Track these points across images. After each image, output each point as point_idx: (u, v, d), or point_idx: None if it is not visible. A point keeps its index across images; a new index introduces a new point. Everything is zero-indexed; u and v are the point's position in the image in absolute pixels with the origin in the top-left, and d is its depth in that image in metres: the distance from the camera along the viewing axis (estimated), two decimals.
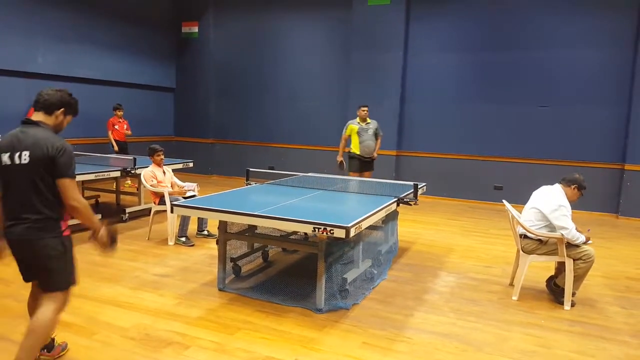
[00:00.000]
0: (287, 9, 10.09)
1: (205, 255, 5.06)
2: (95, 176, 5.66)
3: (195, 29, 10.91)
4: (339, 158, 7.31)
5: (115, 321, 3.28)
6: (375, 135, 7.16)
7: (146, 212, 6.46)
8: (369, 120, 7.16)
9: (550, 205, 3.93)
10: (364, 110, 7.11)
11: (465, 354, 3.12)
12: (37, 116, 2.52)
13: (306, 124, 10.15)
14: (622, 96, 7.78)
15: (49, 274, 2.50)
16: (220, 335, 3.24)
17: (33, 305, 2.65)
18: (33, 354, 2.46)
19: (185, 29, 11.01)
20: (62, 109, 2.54)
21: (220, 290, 4.04)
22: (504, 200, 4.52)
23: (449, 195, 8.92)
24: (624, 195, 7.74)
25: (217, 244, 4.12)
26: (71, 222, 2.55)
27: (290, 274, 4.53)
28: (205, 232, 5.76)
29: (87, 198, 6.75)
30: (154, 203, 5.62)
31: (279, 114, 10.40)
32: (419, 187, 4.83)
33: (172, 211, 3.98)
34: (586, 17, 7.89)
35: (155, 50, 10.56)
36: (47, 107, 2.51)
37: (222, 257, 4.07)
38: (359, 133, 7.07)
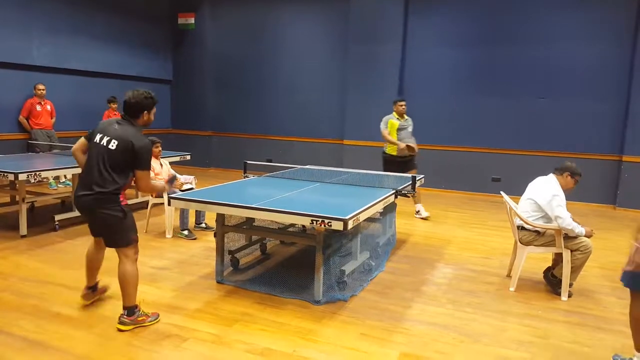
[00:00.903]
0: (285, 0, 10.01)
1: (203, 247, 5.06)
2: None
3: (192, 20, 10.82)
4: (402, 144, 6.32)
5: (113, 314, 3.28)
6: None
7: (144, 205, 6.45)
8: (406, 117, 6.59)
9: (544, 195, 3.94)
10: (401, 105, 6.46)
11: (462, 344, 3.14)
12: (129, 115, 3.16)
13: (304, 116, 10.12)
14: (620, 88, 7.76)
15: (112, 236, 3.13)
16: (218, 327, 3.25)
17: (93, 253, 3.40)
18: (130, 299, 3.16)
19: (181, 20, 10.92)
20: (144, 111, 3.14)
21: (218, 282, 4.04)
22: (501, 192, 4.53)
23: (447, 187, 8.93)
24: (622, 186, 7.76)
25: (215, 236, 4.12)
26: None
27: (289, 266, 4.53)
28: (203, 225, 5.75)
29: None
30: (151, 196, 5.61)
31: (276, 106, 10.36)
32: (417, 179, 4.83)
33: (169, 204, 3.97)
34: (585, 10, 7.85)
35: (151, 42, 10.48)
36: (133, 112, 3.12)
37: (220, 249, 4.07)
38: (399, 131, 6.44)
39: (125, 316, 3.16)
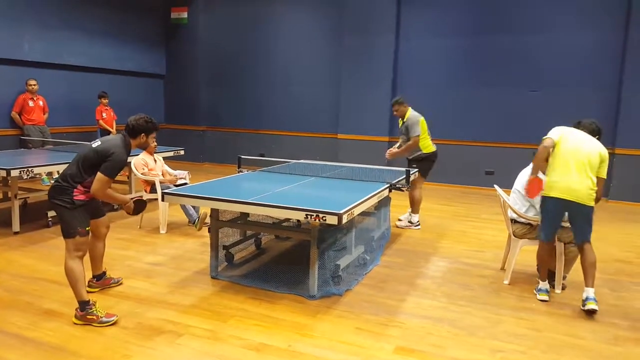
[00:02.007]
0: None
1: (197, 243, 5.04)
2: None
3: (185, 14, 10.74)
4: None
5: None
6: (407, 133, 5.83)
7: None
8: (407, 116, 5.82)
9: (523, 182, 4.03)
10: (393, 109, 5.92)
11: (457, 337, 3.15)
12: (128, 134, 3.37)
13: (298, 110, 10.09)
14: (612, 80, 7.79)
15: (60, 225, 3.20)
16: (213, 322, 3.24)
17: (91, 241, 3.44)
18: (76, 293, 3.16)
19: (174, 15, 10.83)
20: (142, 134, 3.34)
21: (213, 278, 4.03)
22: (495, 185, 4.54)
23: (441, 181, 8.92)
24: (614, 179, 7.79)
25: (209, 232, 4.10)
26: None
27: (283, 261, 4.53)
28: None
29: None
30: (145, 191, 5.57)
31: (270, 100, 10.32)
32: (411, 173, 4.83)
33: (163, 199, 3.95)
34: (577, 0, 7.86)
35: (144, 37, 10.39)
36: (132, 133, 3.33)
37: (215, 245, 4.05)
38: (399, 135, 6.06)
39: (77, 310, 3.16)
